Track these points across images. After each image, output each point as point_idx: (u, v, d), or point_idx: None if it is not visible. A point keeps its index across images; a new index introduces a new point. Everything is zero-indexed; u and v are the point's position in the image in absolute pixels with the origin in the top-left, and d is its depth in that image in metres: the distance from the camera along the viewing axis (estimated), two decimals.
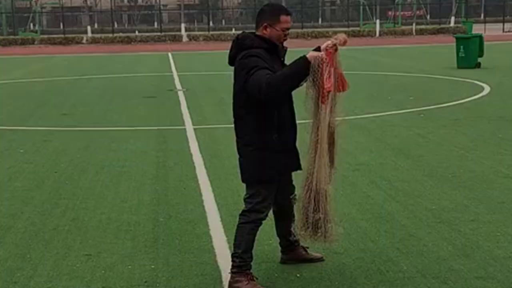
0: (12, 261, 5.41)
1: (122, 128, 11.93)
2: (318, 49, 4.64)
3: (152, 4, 77.92)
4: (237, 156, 4.81)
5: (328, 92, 4.60)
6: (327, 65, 4.49)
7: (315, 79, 4.50)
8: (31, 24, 66.90)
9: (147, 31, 61.98)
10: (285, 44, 4.89)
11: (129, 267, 5.23)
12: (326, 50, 4.58)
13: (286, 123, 4.73)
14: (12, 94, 18.02)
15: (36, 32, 60.67)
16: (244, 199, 4.83)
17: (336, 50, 4.61)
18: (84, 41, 50.84)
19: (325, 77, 4.49)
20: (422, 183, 7.56)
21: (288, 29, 4.76)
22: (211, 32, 55.58)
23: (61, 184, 7.85)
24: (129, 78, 22.40)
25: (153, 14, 78.05)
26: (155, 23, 73.03)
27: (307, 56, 4.49)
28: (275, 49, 4.72)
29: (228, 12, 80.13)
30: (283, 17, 4.72)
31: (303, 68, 4.48)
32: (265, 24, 4.71)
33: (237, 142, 4.78)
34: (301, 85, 4.61)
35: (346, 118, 11.93)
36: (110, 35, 54.32)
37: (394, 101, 14.39)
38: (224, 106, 12.95)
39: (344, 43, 4.61)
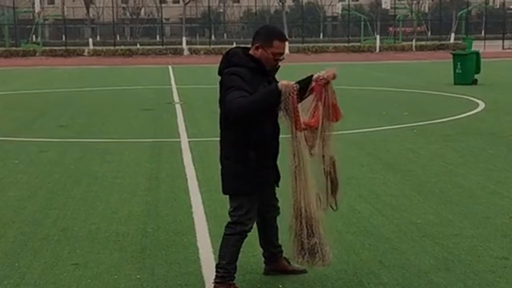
0: (0, 269, 5.50)
1: (118, 140, 12.03)
2: (310, 77, 4.73)
3: (154, 17, 78.22)
4: (219, 167, 4.92)
5: (313, 127, 4.70)
6: (297, 98, 4.53)
7: (286, 108, 4.54)
8: (34, 36, 67.18)
9: (149, 44, 62.23)
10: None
11: (115, 277, 5.32)
12: (316, 81, 4.68)
13: (267, 141, 4.78)
14: (10, 105, 18.14)
15: (38, 44, 60.91)
16: (229, 212, 4.92)
17: (327, 83, 4.70)
18: (85, 53, 51.06)
19: (295, 106, 4.54)
20: (410, 197, 7.65)
21: (280, 54, 4.77)
22: (212, 46, 55.82)
23: (53, 195, 7.95)
24: (129, 91, 22.54)
25: (155, 27, 78.37)
26: (157, 36, 73.37)
27: (279, 84, 4.54)
28: (262, 70, 4.75)
29: (230, 26, 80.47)
30: (276, 42, 4.73)
31: (272, 96, 4.53)
32: (257, 44, 4.75)
33: (220, 153, 4.88)
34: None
35: (339, 133, 12.14)
36: (112, 47, 54.55)
37: (388, 117, 14.50)
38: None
39: (334, 77, 4.71)
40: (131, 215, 7.06)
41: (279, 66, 4.90)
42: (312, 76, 4.73)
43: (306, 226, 4.76)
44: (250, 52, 4.78)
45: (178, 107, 16.90)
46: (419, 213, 6.99)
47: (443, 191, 7.92)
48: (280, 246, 5.30)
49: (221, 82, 4.77)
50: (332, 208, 5.01)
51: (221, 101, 4.72)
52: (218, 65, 4.81)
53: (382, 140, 11.53)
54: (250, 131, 4.70)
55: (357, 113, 14.60)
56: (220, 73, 4.81)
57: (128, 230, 6.53)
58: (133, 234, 6.40)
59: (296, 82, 4.65)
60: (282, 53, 4.80)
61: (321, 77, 4.67)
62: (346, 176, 8.66)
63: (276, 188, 5.07)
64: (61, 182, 8.59)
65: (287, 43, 4.85)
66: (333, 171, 4.96)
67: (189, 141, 11.55)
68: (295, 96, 4.53)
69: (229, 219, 4.91)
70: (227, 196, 4.93)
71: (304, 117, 4.69)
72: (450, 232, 6.33)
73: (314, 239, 4.78)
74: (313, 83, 4.70)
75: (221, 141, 4.85)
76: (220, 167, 4.91)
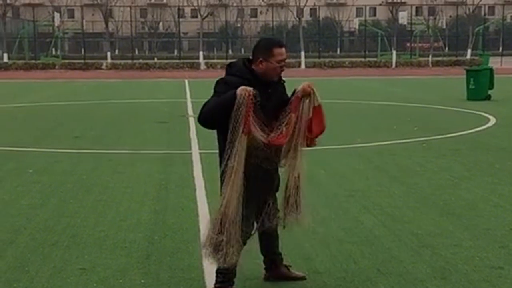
0: (10, 273, 5.70)
1: (131, 152, 12.25)
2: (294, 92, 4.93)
3: (172, 32, 78.80)
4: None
5: (279, 144, 4.85)
6: (251, 103, 4.63)
7: (238, 111, 4.63)
8: (53, 49, 67.93)
9: (166, 58, 62.73)
10: (283, 76, 5.11)
11: (120, 281, 5.50)
12: (295, 95, 4.86)
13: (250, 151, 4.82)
14: (28, 117, 18.45)
15: (57, 57, 61.60)
16: None
17: (303, 96, 4.86)
18: (103, 66, 51.59)
19: (248, 110, 4.63)
20: (413, 209, 7.79)
21: (283, 60, 4.93)
22: (229, 60, 56.18)
23: (65, 203, 8.17)
24: (144, 104, 22.82)
25: (173, 41, 78.96)
26: (175, 51, 73.89)
27: (237, 89, 4.65)
28: (259, 82, 4.87)
29: (247, 41, 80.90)
30: (276, 50, 4.90)
31: (228, 99, 4.66)
32: (260, 59, 4.91)
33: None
34: None
35: (348, 146, 12.32)
36: (130, 61, 55.08)
37: (398, 131, 14.63)
38: None
39: (305, 91, 4.89)
40: (139, 223, 7.25)
41: (284, 81, 5.10)
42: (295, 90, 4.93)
43: (220, 223, 4.81)
44: (253, 66, 4.95)
45: (191, 120, 17.12)
46: (421, 224, 7.13)
47: (447, 203, 8.05)
48: (281, 253, 5.46)
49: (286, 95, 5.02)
50: (282, 225, 5.18)
51: None
52: None
53: (390, 154, 11.66)
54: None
55: (367, 128, 14.76)
56: None
57: (135, 237, 6.71)
58: (140, 241, 6.59)
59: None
60: (285, 59, 4.97)
61: (297, 90, 4.85)
62: (351, 188, 8.89)
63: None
64: (73, 191, 8.81)
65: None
66: (294, 190, 5.08)
67: (200, 153, 11.75)
68: (249, 100, 4.64)
69: None
70: None
71: (272, 134, 4.83)
72: (449, 242, 6.47)
73: (222, 237, 4.80)
74: (293, 97, 4.89)
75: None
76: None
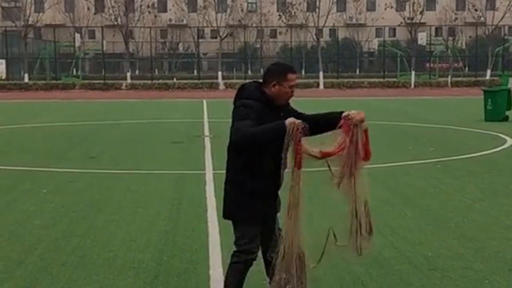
0: None
1: (145, 172, 12.29)
2: (339, 113, 4.91)
3: (192, 52, 79.20)
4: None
5: (334, 154, 4.85)
6: (301, 136, 4.66)
7: (289, 143, 4.67)
8: (74, 70, 68.49)
9: (186, 78, 63.03)
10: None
11: None
12: (345, 119, 4.87)
13: (265, 172, 4.89)
14: (46, 137, 18.59)
15: (78, 77, 62.10)
16: (234, 241, 5.09)
17: (355, 124, 4.85)
18: (123, 87, 51.93)
19: (298, 144, 4.65)
20: (425, 231, 7.74)
21: (294, 86, 5.02)
22: (247, 80, 56.22)
23: (76, 223, 8.20)
24: (161, 124, 22.91)
25: (192, 62, 79.34)
26: (195, 71, 74.24)
27: (286, 121, 4.69)
28: (272, 105, 4.94)
29: (266, 61, 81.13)
30: (290, 76, 4.98)
31: (278, 130, 4.68)
32: (274, 82, 4.97)
33: (225, 177, 5.07)
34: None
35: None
36: (149, 81, 55.42)
37: (414, 152, 14.57)
38: None
39: (361, 121, 4.88)
40: (149, 243, 7.26)
41: (289, 103, 5.14)
42: (342, 112, 4.92)
43: (283, 260, 4.79)
44: (265, 89, 4.99)
45: (207, 140, 17.18)
46: (432, 246, 7.08)
47: (459, 225, 7.99)
48: None
49: (233, 111, 4.99)
50: (357, 252, 5.11)
51: (232, 128, 4.94)
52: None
53: (405, 175, 11.61)
54: (252, 161, 4.88)
55: (382, 148, 14.67)
56: (234, 103, 5.03)
57: (144, 257, 6.72)
58: (148, 261, 6.60)
59: (319, 114, 5.00)
60: (296, 85, 5.05)
61: (350, 117, 4.85)
62: None
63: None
64: (85, 211, 8.85)
65: None
66: (366, 214, 5.12)
67: (213, 173, 11.76)
68: (299, 134, 4.69)
69: (234, 248, 5.07)
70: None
71: (326, 148, 4.86)
72: (460, 265, 6.41)
73: (282, 274, 4.80)
74: (342, 121, 4.89)
75: (226, 166, 5.05)
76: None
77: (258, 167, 4.90)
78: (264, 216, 5.02)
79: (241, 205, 4.93)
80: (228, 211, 5.01)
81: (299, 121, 4.73)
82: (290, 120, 4.72)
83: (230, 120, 4.92)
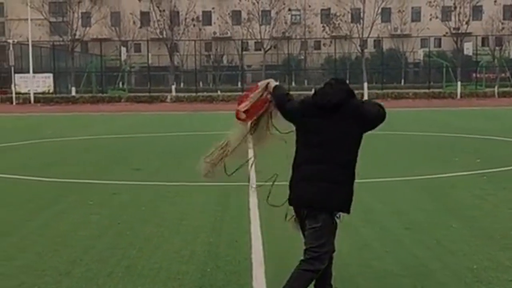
0: None
1: (189, 184, 12.37)
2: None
3: (236, 64, 79.58)
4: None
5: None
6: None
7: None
8: (120, 83, 69.37)
9: (230, 91, 63.32)
10: None
11: None
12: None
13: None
14: (91, 149, 18.85)
15: (124, 90, 62.87)
16: (310, 248, 5.08)
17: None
18: (168, 99, 52.39)
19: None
20: (469, 243, 7.66)
21: None
22: (291, 92, 56.29)
23: (121, 235, 8.31)
24: (205, 136, 23.01)
25: (236, 74, 79.68)
26: (239, 83, 74.55)
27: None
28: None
29: (311, 73, 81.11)
30: None
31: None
32: None
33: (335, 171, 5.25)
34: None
35: (407, 178, 12.19)
36: (194, 94, 55.83)
37: (459, 163, 14.42)
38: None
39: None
40: (193, 255, 7.32)
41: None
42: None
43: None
44: None
45: (250, 152, 17.19)
46: (477, 258, 7.00)
47: (504, 237, 7.90)
48: (332, 285, 5.44)
49: (357, 107, 5.16)
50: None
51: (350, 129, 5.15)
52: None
53: (450, 186, 11.50)
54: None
55: (427, 159, 14.61)
56: (343, 103, 5.13)
57: (188, 269, 6.78)
58: (192, 272, 6.65)
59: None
60: None
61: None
62: (408, 221, 8.80)
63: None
64: (130, 223, 8.96)
65: None
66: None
67: (257, 185, 11.76)
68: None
69: (307, 255, 5.07)
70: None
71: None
72: (505, 277, 6.34)
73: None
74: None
75: (335, 160, 5.21)
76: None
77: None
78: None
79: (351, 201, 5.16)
80: (343, 204, 5.11)
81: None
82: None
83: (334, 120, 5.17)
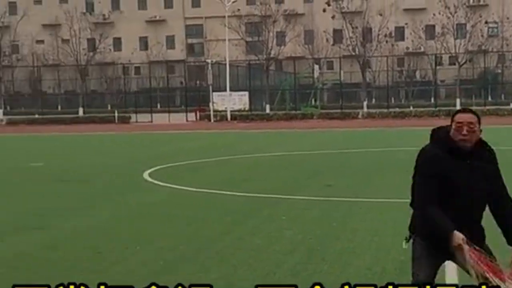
0: None
1: (381, 200, 12.33)
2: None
3: (429, 79, 78.11)
4: None
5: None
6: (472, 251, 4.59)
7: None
8: (313, 100, 70.41)
9: (423, 106, 62.24)
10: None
11: None
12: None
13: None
14: (284, 165, 19.29)
15: (316, 107, 63.74)
16: None
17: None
18: (359, 116, 52.43)
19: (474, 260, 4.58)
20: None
21: (461, 123, 4.70)
22: (487, 107, 54.39)
23: (312, 250, 8.43)
24: (397, 152, 22.78)
25: (430, 89, 78.13)
26: (432, 98, 73.06)
27: (454, 235, 4.61)
28: (459, 150, 4.75)
29: (509, 87, 77.80)
30: (459, 115, 4.76)
31: (444, 234, 4.67)
32: (450, 124, 4.82)
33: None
34: None
35: None
36: (385, 110, 55.46)
37: None
38: None
39: None
40: (384, 272, 7.29)
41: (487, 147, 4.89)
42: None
43: None
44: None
45: None
46: None
47: None
48: None
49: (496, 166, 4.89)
50: None
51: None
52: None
53: None
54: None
55: None
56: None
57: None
58: None
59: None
60: (465, 123, 4.73)
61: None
62: None
63: None
64: (321, 238, 9.07)
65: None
66: None
67: None
68: (467, 251, 4.58)
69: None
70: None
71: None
72: None
73: None
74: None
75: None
76: None
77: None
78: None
79: None
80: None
81: (460, 236, 4.58)
82: (457, 238, 4.59)
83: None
